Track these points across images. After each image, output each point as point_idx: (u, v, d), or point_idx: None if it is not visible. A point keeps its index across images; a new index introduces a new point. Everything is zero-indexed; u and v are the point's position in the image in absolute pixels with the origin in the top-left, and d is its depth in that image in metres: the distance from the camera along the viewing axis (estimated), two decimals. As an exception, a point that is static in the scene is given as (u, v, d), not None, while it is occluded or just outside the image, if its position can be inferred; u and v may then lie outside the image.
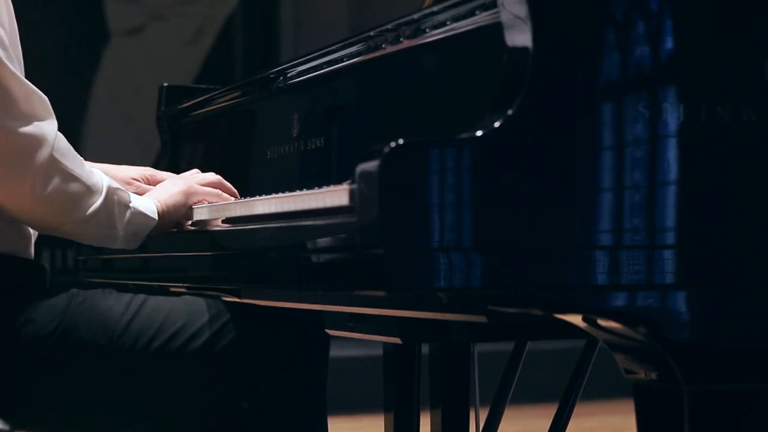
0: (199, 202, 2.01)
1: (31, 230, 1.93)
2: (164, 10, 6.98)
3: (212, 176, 2.07)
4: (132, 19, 6.89)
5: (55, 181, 1.79)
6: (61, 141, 1.80)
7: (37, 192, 1.77)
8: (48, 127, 1.78)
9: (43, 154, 1.77)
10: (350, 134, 1.96)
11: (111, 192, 1.86)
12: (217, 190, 2.04)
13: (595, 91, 1.41)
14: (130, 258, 2.17)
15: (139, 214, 1.91)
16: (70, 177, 1.80)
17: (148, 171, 2.17)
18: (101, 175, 1.87)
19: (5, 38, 1.76)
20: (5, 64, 1.74)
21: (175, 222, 2.00)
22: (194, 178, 2.05)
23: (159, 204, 1.96)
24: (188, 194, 2.00)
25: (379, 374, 2.13)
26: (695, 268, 1.43)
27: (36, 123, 1.77)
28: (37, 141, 1.77)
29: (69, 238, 1.88)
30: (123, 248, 1.92)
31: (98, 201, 1.84)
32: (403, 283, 1.35)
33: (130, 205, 1.90)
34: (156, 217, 1.94)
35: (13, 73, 1.76)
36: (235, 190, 2.07)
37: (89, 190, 1.83)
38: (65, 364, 1.85)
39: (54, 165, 1.78)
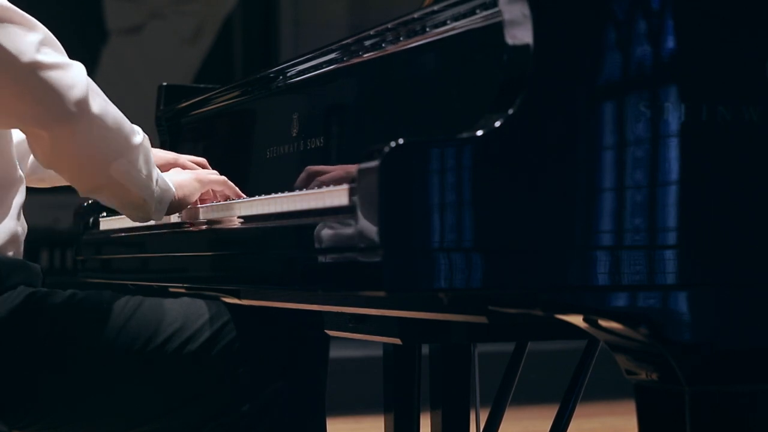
0: (208, 192, 2.00)
1: (20, 229, 1.92)
2: (163, 9, 6.97)
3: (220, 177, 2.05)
4: (131, 18, 6.89)
5: (100, 102, 1.75)
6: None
7: (91, 109, 1.73)
8: (75, 61, 1.76)
9: (81, 76, 1.73)
10: (350, 134, 1.96)
11: (145, 136, 1.84)
12: (224, 177, 2.02)
13: (596, 90, 1.41)
14: (129, 258, 2.17)
15: (161, 178, 1.88)
16: (110, 103, 1.77)
17: (170, 155, 2.13)
18: None
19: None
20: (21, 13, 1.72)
21: (185, 206, 1.96)
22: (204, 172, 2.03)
23: (173, 183, 1.92)
24: (201, 181, 1.98)
25: (379, 375, 2.13)
26: (696, 269, 1.43)
27: (63, 57, 1.74)
28: (68, 66, 1.73)
29: (112, 193, 1.81)
30: (150, 218, 1.87)
31: (140, 136, 1.81)
32: (403, 283, 1.34)
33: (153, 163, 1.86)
34: (173, 189, 1.90)
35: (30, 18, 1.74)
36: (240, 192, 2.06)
37: (130, 125, 1.80)
38: (61, 366, 1.84)
39: (94, 91, 1.75)
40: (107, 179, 1.79)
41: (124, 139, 1.78)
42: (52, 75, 1.71)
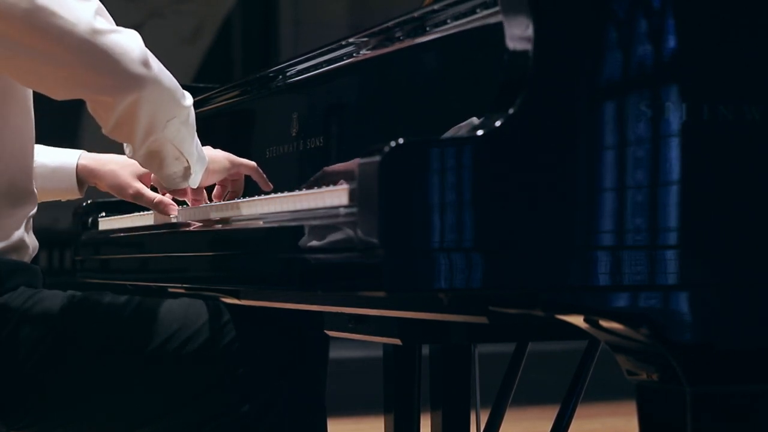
0: (238, 173, 2.03)
1: (30, 244, 1.91)
2: (162, 8, 6.97)
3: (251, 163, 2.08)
4: (130, 18, 6.88)
5: (158, 63, 1.76)
6: None
7: (153, 69, 1.74)
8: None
9: (138, 39, 1.74)
10: (350, 133, 1.95)
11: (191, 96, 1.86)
12: (254, 164, 2.04)
13: (597, 90, 1.41)
14: (128, 258, 2.17)
15: (199, 144, 1.90)
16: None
17: None
18: None
19: None
20: None
21: (209, 183, 1.99)
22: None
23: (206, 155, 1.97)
24: (232, 161, 2.02)
25: (379, 376, 2.13)
26: (697, 269, 1.42)
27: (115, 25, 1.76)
28: (124, 30, 1.74)
29: (163, 154, 1.82)
30: (185, 183, 1.90)
31: (189, 97, 1.83)
32: (403, 283, 1.34)
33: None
34: (207, 159, 1.94)
35: None
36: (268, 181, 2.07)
37: (179, 86, 1.82)
38: (60, 367, 1.84)
39: (150, 52, 1.76)
40: (163, 140, 1.80)
41: (178, 99, 1.80)
42: (113, 39, 1.71)
